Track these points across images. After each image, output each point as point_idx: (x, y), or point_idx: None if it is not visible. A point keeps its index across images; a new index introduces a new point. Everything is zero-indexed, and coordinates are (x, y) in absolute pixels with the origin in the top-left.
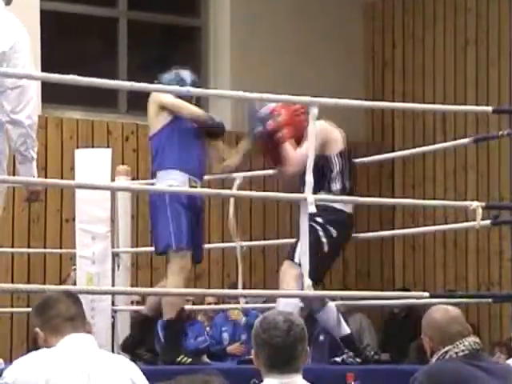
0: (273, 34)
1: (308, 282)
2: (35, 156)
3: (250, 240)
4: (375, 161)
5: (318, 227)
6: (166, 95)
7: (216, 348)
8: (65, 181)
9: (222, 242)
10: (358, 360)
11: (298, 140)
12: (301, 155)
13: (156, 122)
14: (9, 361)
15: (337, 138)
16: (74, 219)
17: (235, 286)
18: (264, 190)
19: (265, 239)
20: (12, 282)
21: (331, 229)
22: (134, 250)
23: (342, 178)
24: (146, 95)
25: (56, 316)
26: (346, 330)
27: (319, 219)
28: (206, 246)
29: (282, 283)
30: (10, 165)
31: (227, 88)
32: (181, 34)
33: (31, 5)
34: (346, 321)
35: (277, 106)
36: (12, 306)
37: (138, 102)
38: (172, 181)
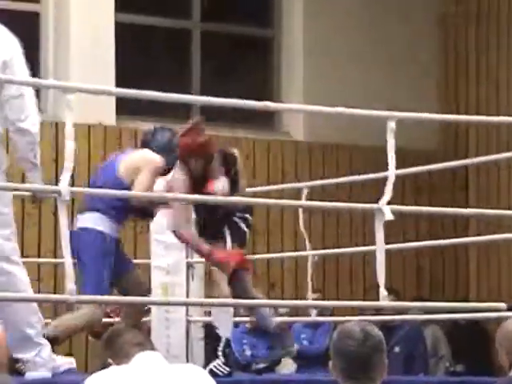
0: (346, 44)
1: (384, 293)
2: (39, 162)
3: (324, 249)
4: (448, 170)
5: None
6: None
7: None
8: (138, 192)
9: (295, 251)
10: (227, 369)
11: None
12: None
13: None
14: None
15: None
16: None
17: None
18: (337, 200)
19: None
20: None
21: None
22: None
23: None
24: (219, 106)
25: (125, 343)
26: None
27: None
28: (279, 255)
29: None
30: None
31: (300, 98)
32: (254, 44)
33: (106, 17)
34: (422, 332)
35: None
36: None
37: (212, 112)
38: None
